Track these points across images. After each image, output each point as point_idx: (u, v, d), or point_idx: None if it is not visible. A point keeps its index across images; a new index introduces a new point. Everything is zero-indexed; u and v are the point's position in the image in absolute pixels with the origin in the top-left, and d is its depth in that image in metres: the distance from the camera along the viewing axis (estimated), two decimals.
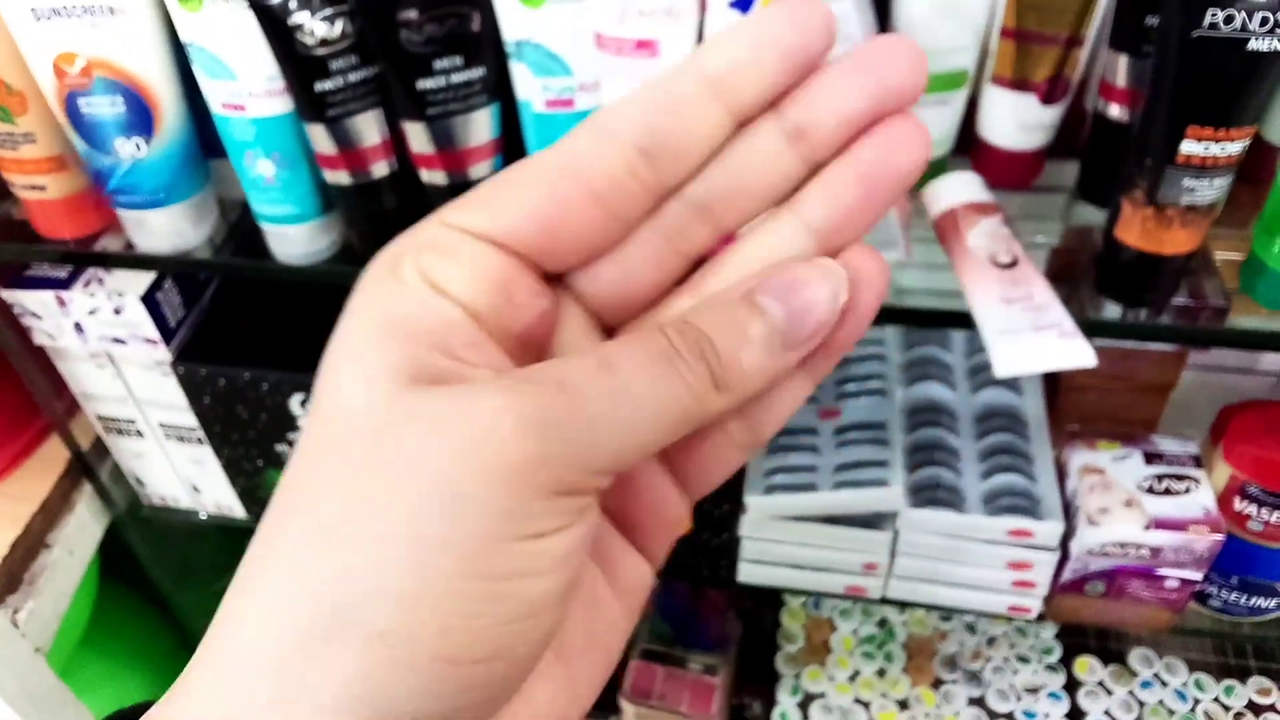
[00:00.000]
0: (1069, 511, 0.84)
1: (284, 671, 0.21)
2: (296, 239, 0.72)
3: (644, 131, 0.24)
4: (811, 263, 0.24)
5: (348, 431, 0.22)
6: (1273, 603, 0.88)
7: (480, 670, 0.21)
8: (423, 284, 0.23)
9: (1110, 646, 1.17)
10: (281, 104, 0.66)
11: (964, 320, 0.61)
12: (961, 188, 0.67)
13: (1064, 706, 1.12)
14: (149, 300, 0.83)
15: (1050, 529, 0.82)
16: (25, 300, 0.85)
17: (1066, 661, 1.16)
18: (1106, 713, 1.11)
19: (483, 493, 0.21)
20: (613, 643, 0.28)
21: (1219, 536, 0.79)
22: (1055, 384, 0.94)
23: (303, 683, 0.20)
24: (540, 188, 0.24)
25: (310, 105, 0.64)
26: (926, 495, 0.86)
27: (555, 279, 0.26)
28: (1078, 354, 0.57)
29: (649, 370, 0.22)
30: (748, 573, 0.95)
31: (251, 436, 0.92)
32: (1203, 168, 0.57)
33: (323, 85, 0.63)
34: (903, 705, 1.14)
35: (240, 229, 0.76)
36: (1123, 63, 0.63)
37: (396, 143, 0.67)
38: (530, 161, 0.24)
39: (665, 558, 0.29)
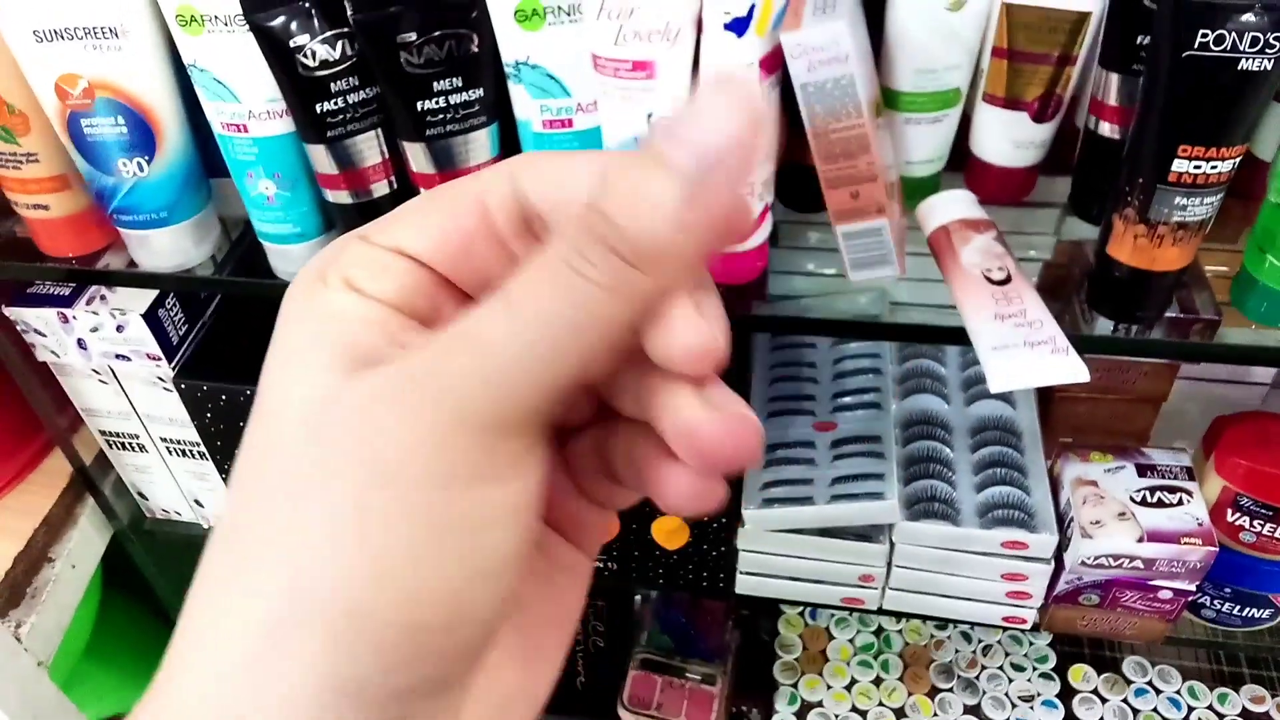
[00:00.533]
0: (1063, 523, 0.85)
1: (251, 665, 0.21)
2: (298, 257, 0.72)
3: (541, 200, 0.24)
4: (705, 87, 0.21)
5: (286, 423, 0.22)
6: (1266, 613, 0.89)
7: (445, 636, 0.22)
8: (348, 290, 0.23)
9: (1104, 654, 1.18)
10: (283, 125, 0.66)
11: (959, 336, 0.62)
12: (955, 204, 0.67)
13: (1059, 714, 1.12)
14: (151, 318, 0.84)
15: (1044, 541, 0.83)
16: (29, 317, 0.85)
17: (1061, 670, 1.17)
18: None
19: (417, 455, 0.21)
20: (568, 620, 0.29)
21: (1212, 549, 0.80)
22: (1048, 396, 0.94)
23: (270, 673, 0.21)
24: (451, 218, 0.24)
25: (311, 126, 0.65)
26: (922, 507, 0.86)
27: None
28: (1071, 370, 0.58)
29: (550, 288, 0.21)
30: (745, 584, 0.95)
31: None
32: (1194, 186, 0.57)
33: (323, 106, 0.64)
34: (899, 713, 1.15)
35: (242, 247, 0.77)
36: (1114, 81, 0.64)
37: (396, 162, 0.68)
38: (450, 190, 0.25)
39: (599, 548, 0.30)
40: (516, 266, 0.23)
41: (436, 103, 0.63)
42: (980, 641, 1.20)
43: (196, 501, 1.02)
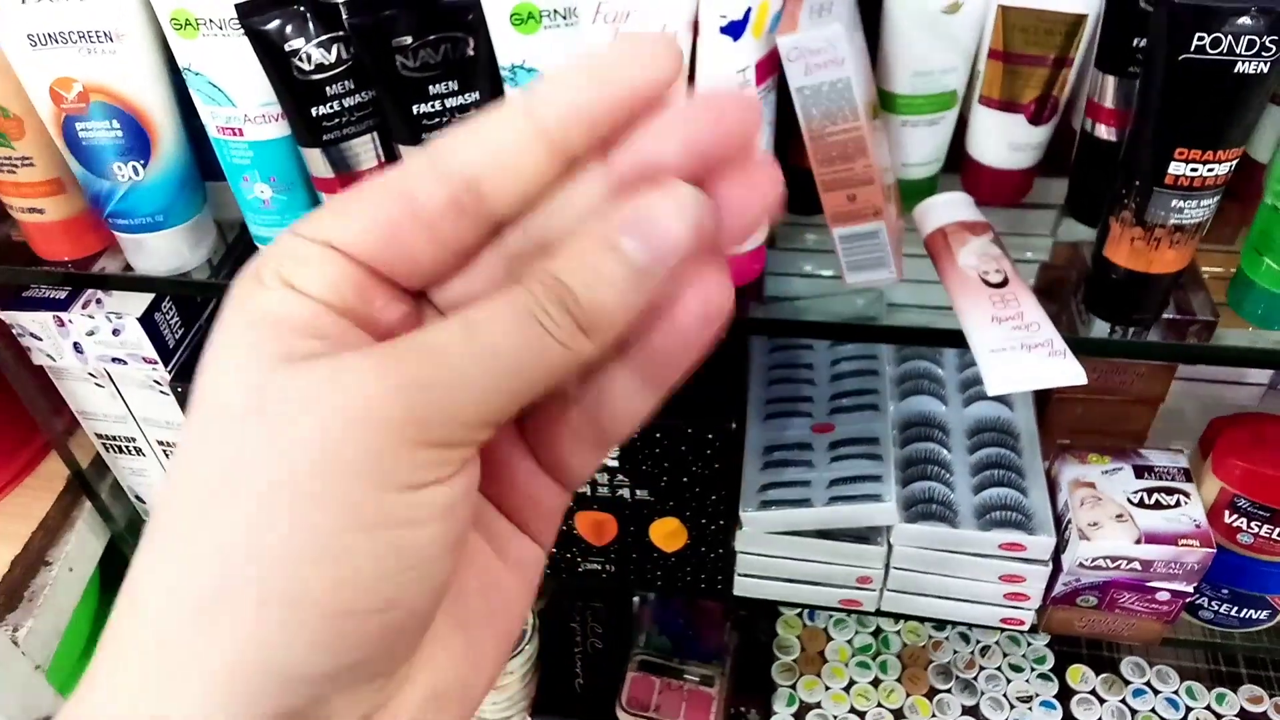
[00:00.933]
0: (1060, 525, 0.84)
1: (175, 647, 0.21)
2: None
3: (468, 167, 0.24)
4: (660, 190, 0.24)
5: (224, 412, 0.22)
6: (1264, 614, 0.89)
7: (374, 622, 0.22)
8: (283, 286, 0.23)
9: (1102, 655, 1.18)
10: (278, 128, 0.66)
11: (956, 339, 0.62)
12: (952, 207, 0.67)
13: (1057, 715, 1.12)
14: (147, 321, 0.84)
15: (1042, 543, 0.83)
16: (24, 321, 0.85)
17: (1059, 670, 1.17)
18: None
19: (356, 448, 0.21)
20: (512, 614, 0.29)
21: (1209, 550, 0.80)
22: (1046, 397, 0.94)
23: (193, 654, 0.21)
24: (377, 207, 0.24)
25: (307, 129, 0.64)
26: (920, 509, 0.86)
27: (419, 294, 0.26)
28: (1068, 372, 0.58)
29: (513, 326, 0.23)
30: (743, 586, 0.95)
31: None
32: (1190, 189, 0.57)
33: (319, 110, 0.63)
34: (898, 714, 1.15)
35: (238, 250, 0.77)
36: (1110, 83, 0.64)
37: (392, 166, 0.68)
38: (377, 181, 0.25)
39: (554, 537, 0.30)
40: (448, 251, 0.25)
41: (432, 106, 0.63)
42: (978, 642, 1.20)
43: None
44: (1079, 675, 1.16)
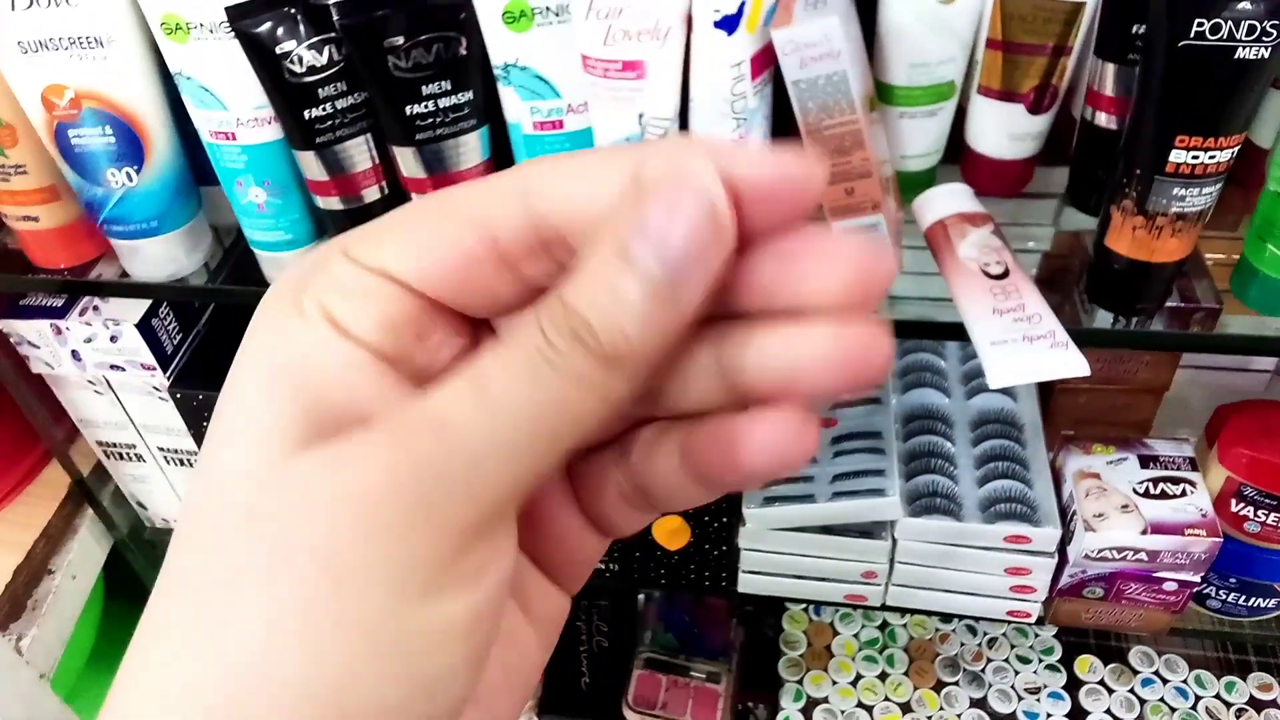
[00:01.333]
0: (1066, 516, 0.84)
1: None
2: (291, 264, 0.71)
3: (563, 214, 0.21)
4: (666, 177, 0.20)
5: (225, 502, 0.20)
6: (1272, 602, 0.88)
7: None
8: (325, 324, 0.21)
9: (1110, 645, 1.18)
10: (271, 131, 0.66)
11: (958, 331, 0.61)
12: (951, 199, 0.67)
13: (1065, 706, 1.12)
14: (145, 327, 0.83)
15: (1047, 535, 0.83)
16: (22, 329, 0.85)
17: (1067, 661, 1.16)
18: (1108, 711, 1.11)
19: (372, 555, 0.19)
20: (529, 676, 0.26)
21: (1216, 539, 0.79)
22: (1049, 388, 0.94)
23: None
24: (450, 238, 0.22)
25: (300, 132, 0.64)
26: (924, 502, 0.86)
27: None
28: (1071, 364, 0.57)
29: (525, 377, 0.20)
30: (748, 583, 0.95)
31: None
32: (1192, 177, 0.57)
33: (312, 112, 0.63)
34: (905, 708, 1.14)
35: (234, 255, 0.76)
36: (1110, 71, 0.63)
37: (387, 168, 0.67)
38: (447, 201, 0.22)
39: (583, 585, 0.27)
40: (527, 292, 0.22)
41: (425, 106, 0.62)
42: (985, 634, 1.20)
43: None
44: (1087, 665, 1.16)
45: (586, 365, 0.20)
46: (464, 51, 0.61)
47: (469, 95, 0.63)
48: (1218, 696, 1.12)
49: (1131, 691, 1.13)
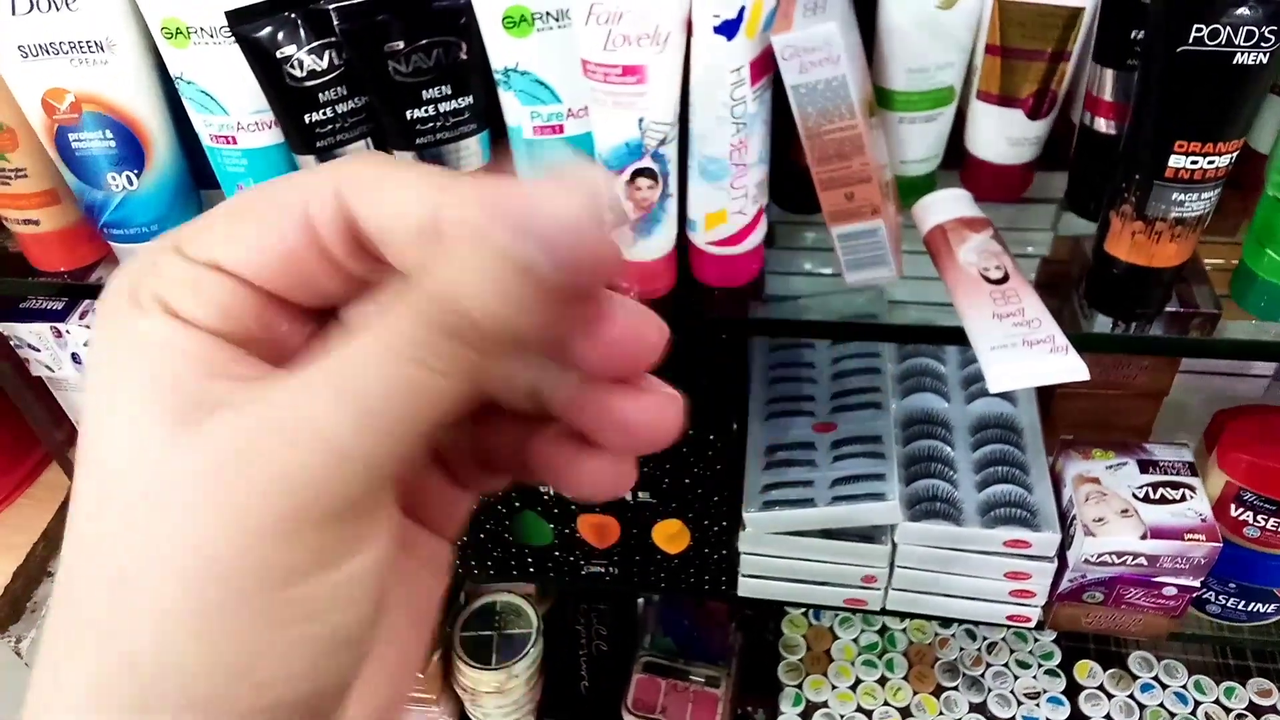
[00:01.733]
0: (1065, 521, 0.84)
1: None
2: None
3: (376, 221, 0.22)
4: (546, 178, 0.20)
5: (117, 492, 0.20)
6: (1271, 607, 0.88)
7: (303, 704, 0.21)
8: (165, 315, 0.21)
9: (1110, 650, 1.18)
10: (271, 136, 0.66)
11: (958, 336, 0.61)
12: (951, 204, 0.67)
13: (1065, 711, 1.12)
14: None
15: (1047, 540, 0.83)
16: (22, 333, 0.85)
17: (1066, 666, 1.16)
18: (1107, 716, 1.11)
19: (253, 550, 0.19)
20: (430, 604, 0.27)
21: (1216, 544, 0.79)
22: (1049, 392, 0.94)
23: None
24: (275, 232, 0.22)
25: (300, 136, 0.64)
26: (924, 507, 0.86)
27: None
28: (1070, 368, 0.57)
29: (389, 376, 0.20)
30: (747, 587, 0.95)
31: None
32: (1191, 182, 0.57)
33: (312, 117, 0.63)
34: (905, 713, 1.14)
35: None
36: (1109, 76, 0.63)
37: None
38: (270, 194, 0.22)
39: (462, 527, 0.28)
40: (353, 285, 0.23)
41: (426, 111, 0.62)
42: (985, 639, 1.20)
43: None
44: (1087, 670, 1.16)
45: (450, 355, 0.20)
46: (464, 56, 0.61)
47: (469, 100, 0.63)
48: (1217, 702, 1.12)
49: (1131, 697, 1.13)
